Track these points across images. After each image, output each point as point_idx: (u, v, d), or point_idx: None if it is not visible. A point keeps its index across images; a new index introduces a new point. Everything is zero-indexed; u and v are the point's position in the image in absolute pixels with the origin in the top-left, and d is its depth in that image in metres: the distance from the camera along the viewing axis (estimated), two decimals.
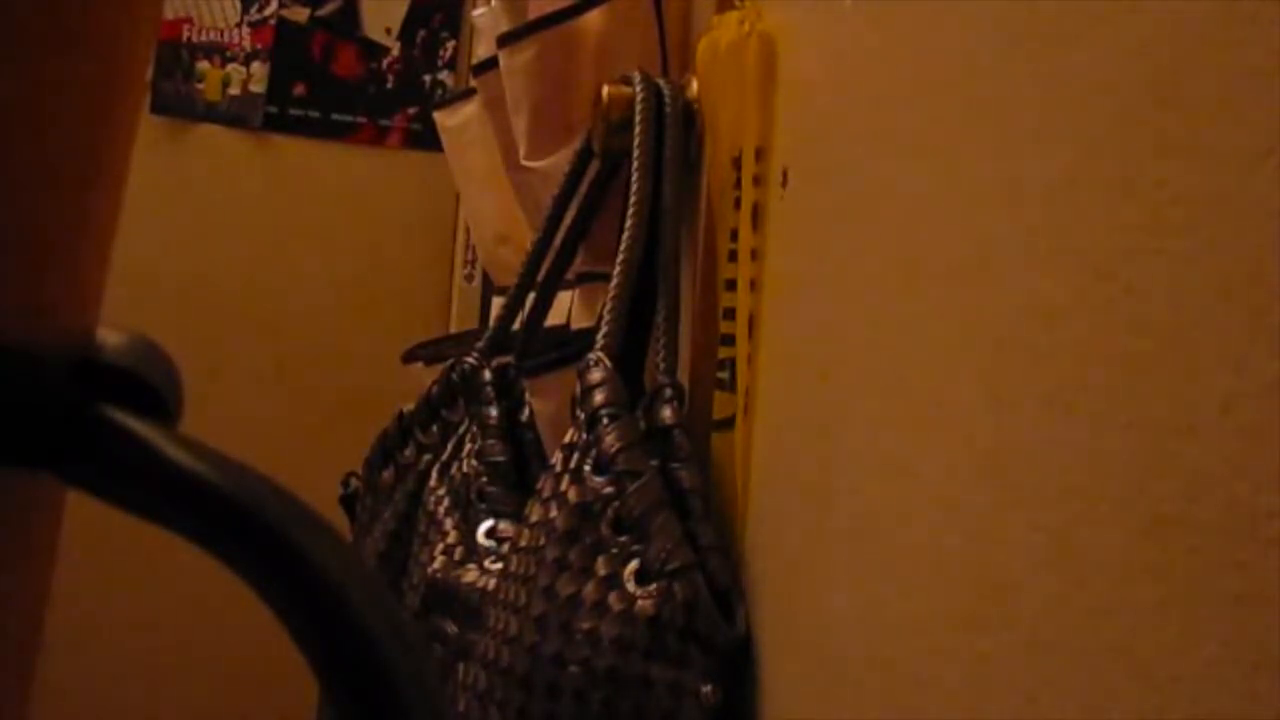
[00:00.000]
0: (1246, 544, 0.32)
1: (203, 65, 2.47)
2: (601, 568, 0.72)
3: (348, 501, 1.12)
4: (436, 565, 0.88)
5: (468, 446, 0.95)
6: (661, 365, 0.82)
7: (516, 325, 1.03)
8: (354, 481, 1.12)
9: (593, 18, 1.04)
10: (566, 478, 0.75)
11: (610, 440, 0.74)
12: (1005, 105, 0.46)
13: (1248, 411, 0.32)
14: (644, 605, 0.70)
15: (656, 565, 0.70)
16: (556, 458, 0.78)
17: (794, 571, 0.68)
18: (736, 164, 0.78)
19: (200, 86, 2.47)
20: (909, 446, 0.53)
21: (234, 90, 2.48)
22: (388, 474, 1.05)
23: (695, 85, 0.90)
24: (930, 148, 0.53)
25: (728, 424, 0.77)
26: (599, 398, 0.76)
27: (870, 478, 0.57)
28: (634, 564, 0.71)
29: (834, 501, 0.62)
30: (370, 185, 2.52)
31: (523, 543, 0.77)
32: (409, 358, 1.43)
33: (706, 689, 0.70)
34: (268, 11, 2.49)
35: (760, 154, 0.75)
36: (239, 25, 2.48)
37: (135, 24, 0.24)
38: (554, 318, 1.06)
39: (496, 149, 1.20)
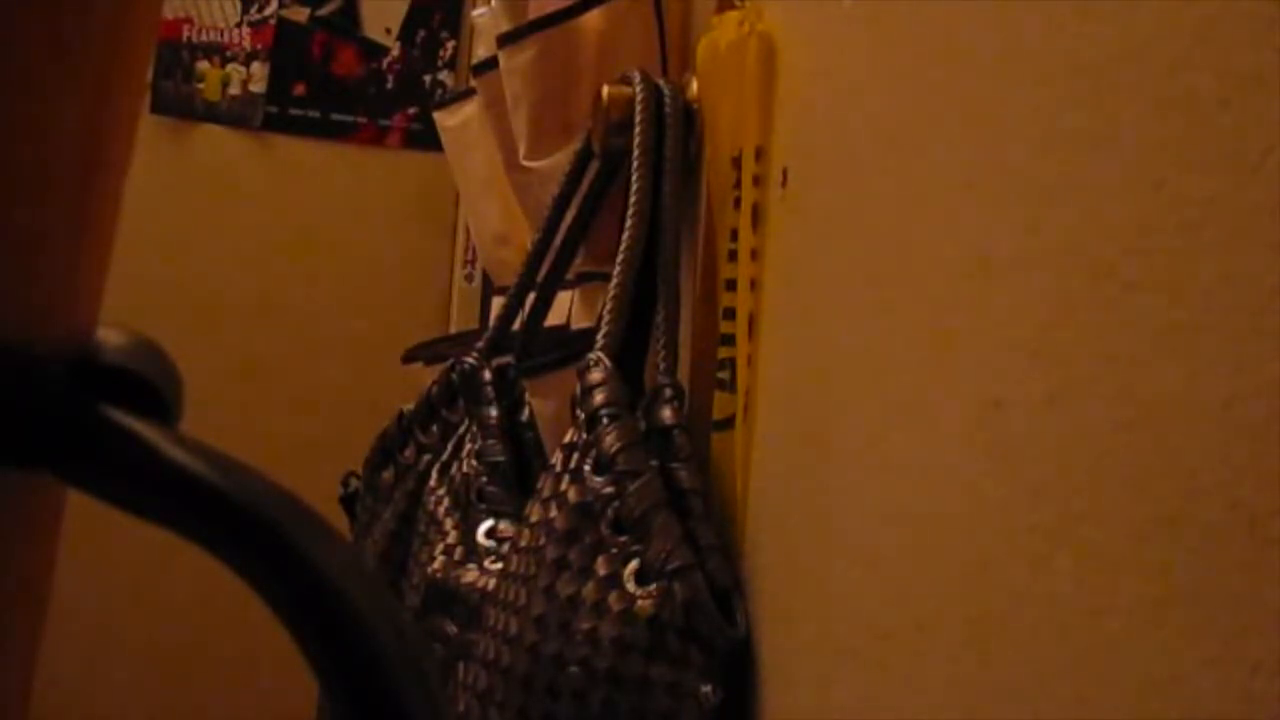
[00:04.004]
0: (1246, 544, 0.32)
1: (203, 65, 2.47)
2: (601, 568, 0.72)
3: (348, 501, 1.12)
4: (436, 565, 0.88)
5: (468, 446, 0.95)
6: (661, 365, 0.82)
7: (516, 325, 1.03)
8: (354, 481, 1.12)
9: (593, 18, 1.04)
10: (566, 478, 0.75)
11: (610, 440, 0.74)
12: (1005, 105, 0.46)
13: (1248, 411, 0.32)
14: (644, 605, 0.70)
15: (656, 565, 0.70)
16: (556, 458, 0.78)
17: (794, 571, 0.68)
18: (736, 164, 0.78)
19: (200, 86, 2.47)
20: (908, 446, 0.53)
21: (234, 90, 2.48)
22: (388, 474, 1.05)
23: (695, 85, 0.90)
24: (930, 147, 0.53)
25: (728, 424, 0.77)
26: (599, 398, 0.76)
27: (870, 477, 0.57)
28: (634, 564, 0.71)
29: (834, 501, 0.62)
30: (370, 185, 2.52)
31: (523, 543, 0.77)
32: (409, 358, 1.43)
33: (706, 689, 0.70)
34: (268, 11, 2.49)
35: (760, 154, 0.75)
36: (239, 25, 2.48)
37: (135, 24, 0.24)
38: (554, 318, 1.06)
39: (496, 149, 1.20)
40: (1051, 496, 0.41)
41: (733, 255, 0.78)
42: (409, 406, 1.05)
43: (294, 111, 2.50)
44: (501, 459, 0.93)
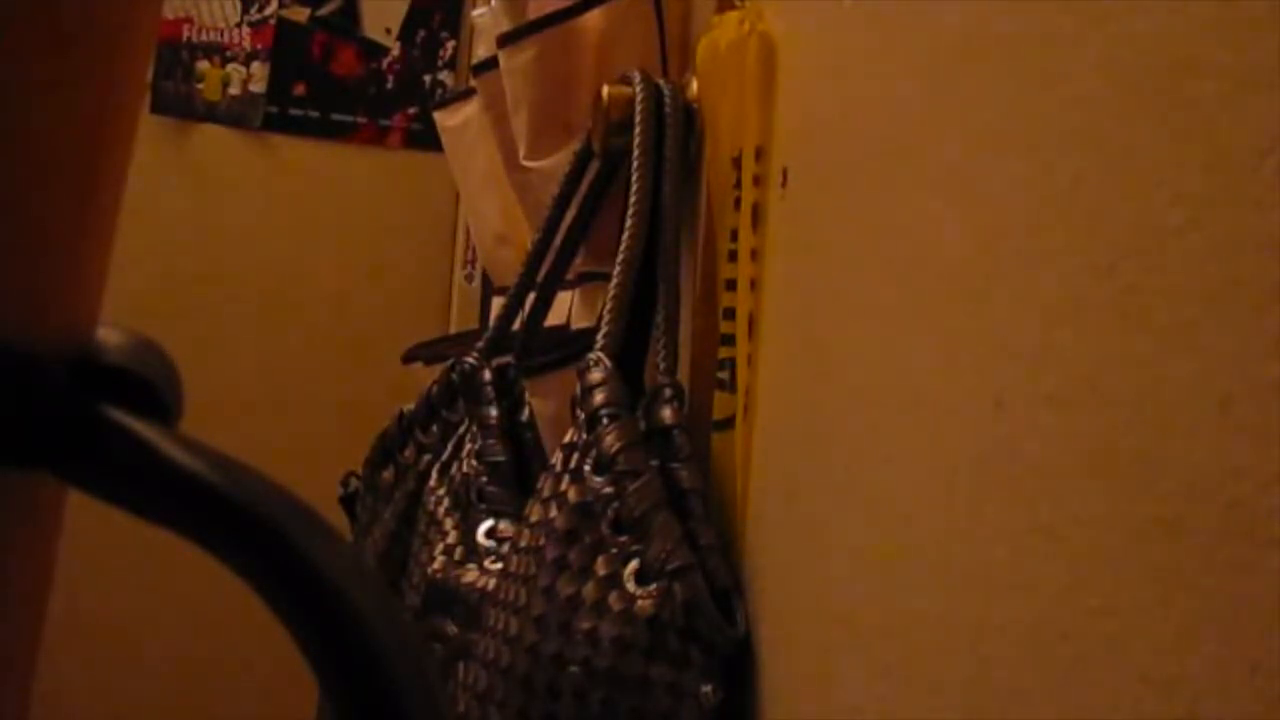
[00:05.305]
0: (1246, 544, 0.32)
1: (203, 65, 2.47)
2: (601, 568, 0.72)
3: (348, 501, 1.12)
4: (436, 565, 0.88)
5: (468, 446, 0.95)
6: (661, 365, 0.82)
7: (516, 325, 1.03)
8: (354, 481, 1.12)
9: (593, 18, 1.04)
10: (566, 478, 0.75)
11: (610, 440, 0.74)
12: (1005, 105, 0.46)
13: (1248, 411, 0.32)
14: (644, 605, 0.70)
15: (656, 565, 0.70)
16: (556, 458, 0.78)
17: (794, 571, 0.68)
18: (736, 164, 0.78)
19: (200, 86, 2.47)
20: (909, 447, 0.53)
21: (234, 90, 2.48)
22: (388, 474, 1.05)
23: (695, 85, 0.90)
24: (929, 147, 0.53)
25: (728, 424, 0.77)
26: (599, 398, 0.76)
27: (870, 477, 0.57)
28: (634, 564, 0.71)
29: (834, 501, 0.62)
30: (370, 185, 2.52)
31: (523, 543, 0.77)
32: (409, 358, 1.43)
33: (706, 689, 0.70)
34: (268, 11, 2.49)
35: (760, 154, 0.75)
36: (239, 25, 2.48)
37: (135, 24, 0.24)
38: (554, 318, 1.06)
39: (496, 149, 1.20)
40: (1051, 496, 0.41)
41: (733, 255, 0.78)
42: (409, 406, 1.05)
43: (294, 111, 2.50)
44: (501, 459, 0.93)
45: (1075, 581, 0.39)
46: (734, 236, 0.77)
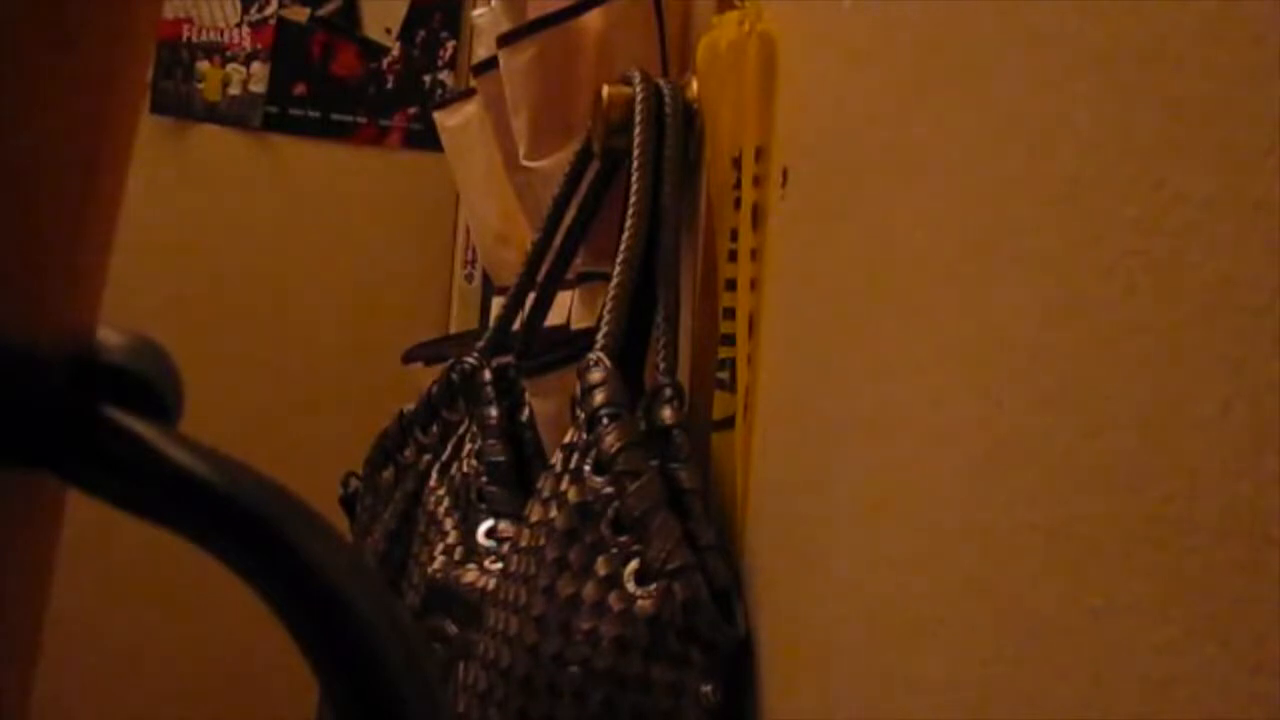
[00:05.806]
0: (1246, 544, 0.32)
1: (203, 65, 2.47)
2: (601, 568, 0.72)
3: (348, 501, 1.12)
4: (436, 565, 0.88)
5: (468, 446, 0.95)
6: (661, 365, 0.82)
7: (516, 325, 1.03)
8: (354, 481, 1.12)
9: (593, 18, 1.04)
10: (566, 478, 0.75)
11: (610, 440, 0.74)
12: (1004, 105, 0.46)
13: (1248, 411, 0.32)
14: (644, 605, 0.70)
15: (656, 565, 0.70)
16: (556, 458, 0.78)
17: (793, 571, 0.68)
18: (736, 164, 0.78)
19: (200, 86, 2.47)
20: (909, 446, 0.53)
21: (234, 90, 2.48)
22: (388, 474, 1.05)
23: (695, 85, 0.90)
24: (930, 147, 0.53)
25: (728, 424, 0.77)
26: (599, 398, 0.76)
27: (870, 478, 0.57)
28: (634, 564, 0.71)
29: (833, 502, 0.62)
30: (370, 185, 2.52)
31: (523, 543, 0.77)
32: (409, 358, 1.43)
33: (706, 689, 0.70)
34: (268, 11, 2.49)
35: (760, 154, 0.75)
36: (239, 25, 2.48)
37: (135, 24, 0.24)
38: (554, 318, 1.06)
39: (496, 149, 1.21)
40: (1051, 496, 0.41)
41: (733, 255, 0.78)
42: (409, 406, 1.05)
43: (294, 111, 2.50)
44: (501, 459, 0.93)
45: (1075, 581, 0.39)
46: (734, 236, 0.77)
